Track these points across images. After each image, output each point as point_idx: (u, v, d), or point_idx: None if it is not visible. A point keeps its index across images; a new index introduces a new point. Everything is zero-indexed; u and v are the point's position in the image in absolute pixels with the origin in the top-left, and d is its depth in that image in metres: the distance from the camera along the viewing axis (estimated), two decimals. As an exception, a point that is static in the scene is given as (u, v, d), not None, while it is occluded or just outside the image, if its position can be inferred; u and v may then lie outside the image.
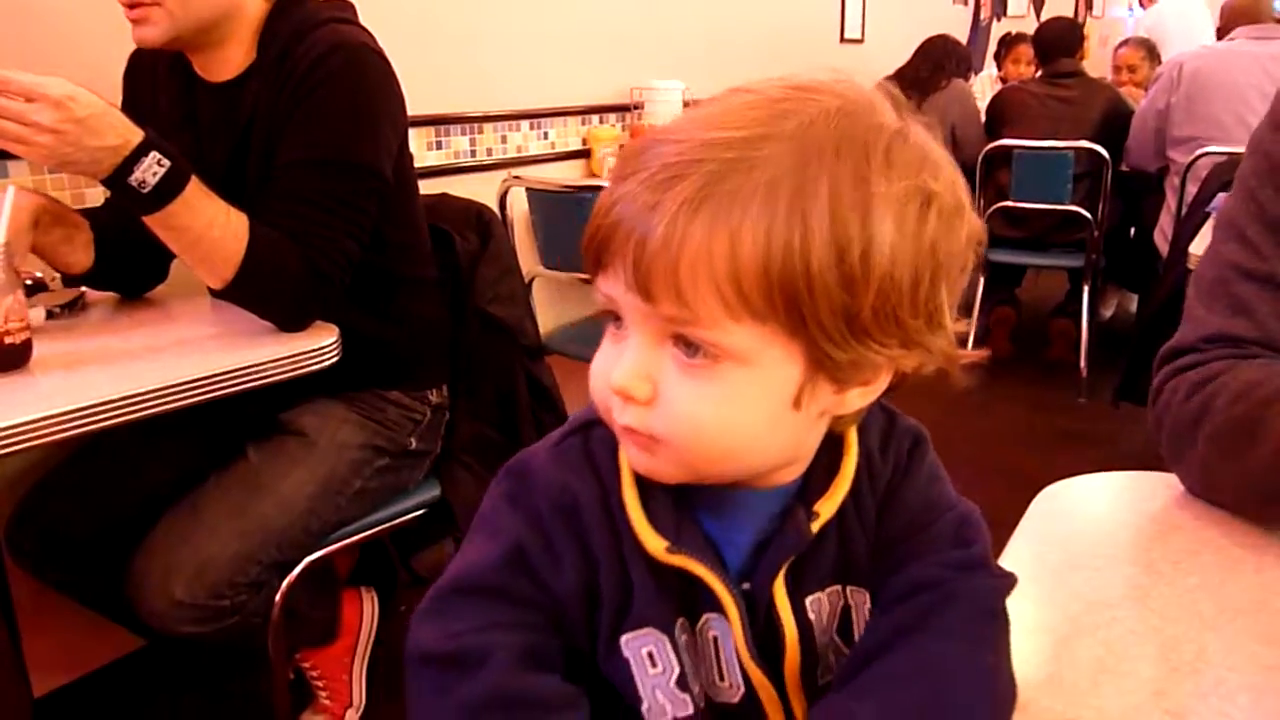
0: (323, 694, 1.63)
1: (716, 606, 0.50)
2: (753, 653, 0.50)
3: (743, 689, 0.51)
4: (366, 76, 1.26)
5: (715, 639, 0.51)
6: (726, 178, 0.41)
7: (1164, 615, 0.58)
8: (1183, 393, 0.69)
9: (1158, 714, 0.49)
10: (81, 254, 1.33)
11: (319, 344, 1.23)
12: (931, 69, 3.65)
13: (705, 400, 0.44)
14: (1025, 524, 0.71)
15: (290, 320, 1.25)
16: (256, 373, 1.16)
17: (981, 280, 3.57)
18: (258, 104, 1.26)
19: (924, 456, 0.54)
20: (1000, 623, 0.49)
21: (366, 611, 1.70)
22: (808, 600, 0.51)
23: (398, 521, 1.49)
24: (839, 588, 0.52)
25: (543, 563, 0.49)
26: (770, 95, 0.46)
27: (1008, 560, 0.65)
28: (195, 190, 1.13)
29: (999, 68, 4.47)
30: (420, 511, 1.53)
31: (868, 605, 0.52)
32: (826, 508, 0.50)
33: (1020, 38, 4.32)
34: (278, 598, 1.34)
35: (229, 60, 1.30)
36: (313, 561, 1.38)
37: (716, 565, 0.49)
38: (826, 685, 0.51)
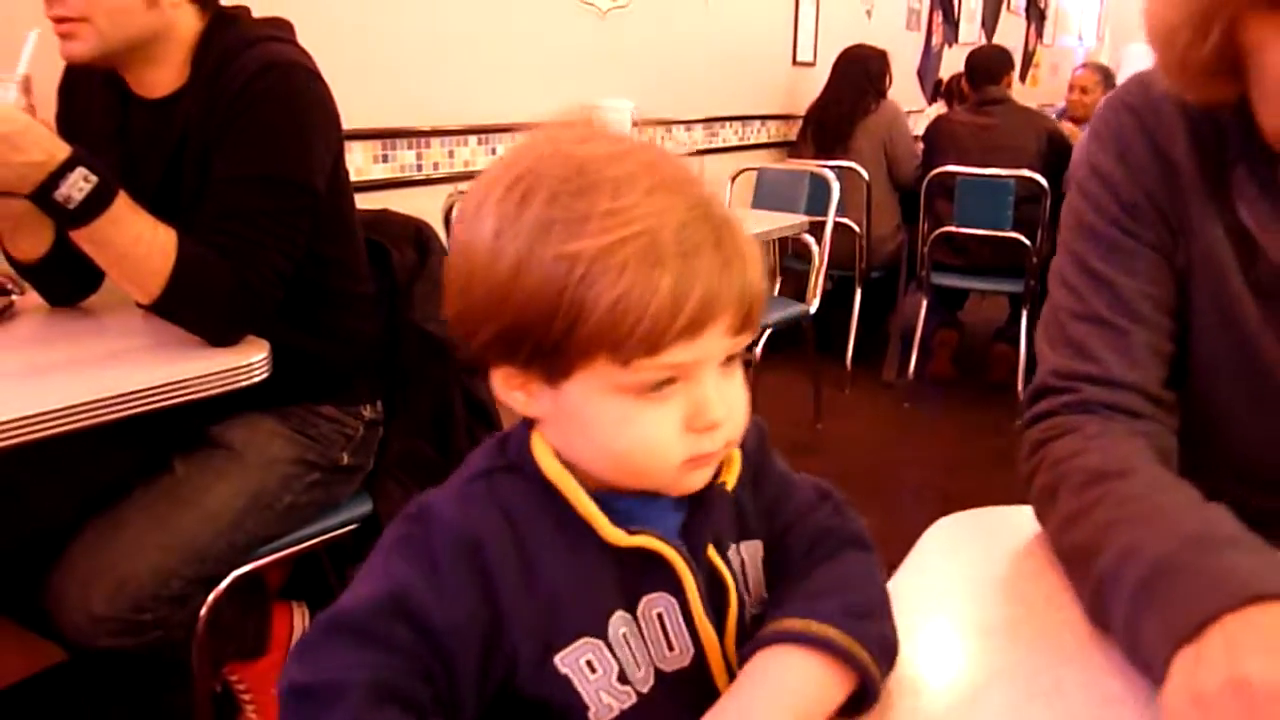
0: (250, 707, 1.62)
1: (661, 584, 0.56)
2: (706, 609, 0.57)
3: (692, 650, 0.57)
4: (299, 94, 1.27)
5: (660, 615, 0.57)
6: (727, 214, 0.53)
7: (1030, 647, 0.62)
8: (1031, 449, 0.75)
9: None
10: (39, 238, 1.32)
11: (249, 360, 1.24)
12: (855, 95, 3.72)
13: (743, 390, 0.55)
14: (914, 554, 0.74)
15: (220, 336, 1.25)
16: (185, 388, 1.16)
17: (924, 304, 3.65)
18: (190, 121, 1.27)
19: (768, 441, 0.66)
20: (871, 548, 0.63)
21: (297, 625, 1.70)
22: (729, 555, 0.60)
23: (327, 537, 1.50)
24: (738, 544, 0.61)
25: (428, 607, 0.51)
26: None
27: (894, 583, 0.69)
28: (122, 206, 1.13)
29: (948, 105, 4.59)
30: (351, 527, 1.53)
31: (760, 554, 0.63)
32: (730, 479, 0.59)
33: (960, 80, 4.45)
34: (202, 611, 1.34)
35: (162, 77, 1.30)
36: (239, 576, 1.38)
37: (672, 539, 0.56)
38: (751, 629, 0.59)
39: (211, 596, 1.35)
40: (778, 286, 3.93)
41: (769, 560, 0.63)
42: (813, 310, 3.07)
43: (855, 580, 0.60)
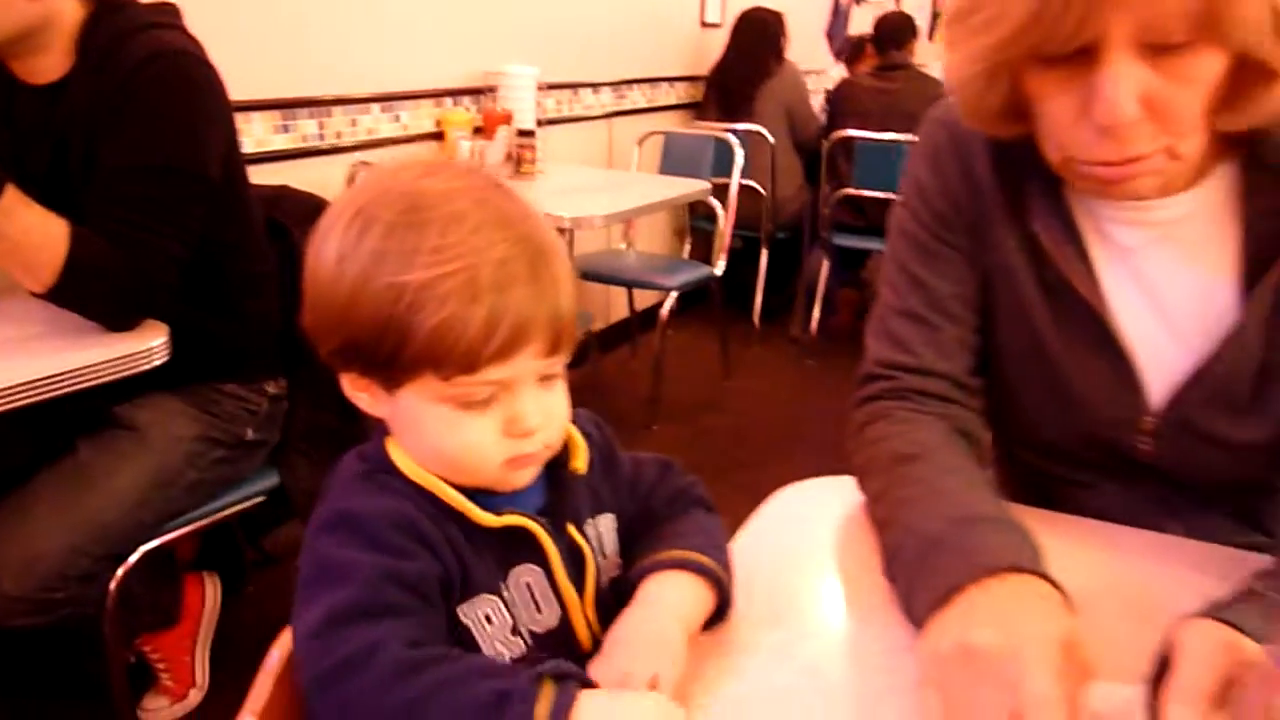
0: (165, 676, 1.68)
1: (528, 557, 0.65)
2: (569, 576, 0.66)
3: (558, 611, 0.66)
4: (187, 82, 1.30)
5: (528, 584, 0.65)
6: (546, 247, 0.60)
7: (837, 604, 0.72)
8: (856, 429, 0.85)
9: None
10: None
11: (147, 344, 1.27)
12: (754, 58, 3.80)
13: (563, 399, 0.64)
14: (755, 519, 0.85)
15: (116, 323, 1.28)
16: (83, 375, 1.19)
17: (825, 263, 3.78)
18: (77, 109, 1.28)
19: (609, 431, 0.75)
20: (711, 507, 0.75)
21: (209, 595, 1.75)
22: (586, 529, 0.69)
23: (234, 510, 1.54)
24: (594, 519, 0.70)
25: (403, 574, 0.58)
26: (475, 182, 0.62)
27: (735, 543, 0.78)
28: (11, 198, 1.15)
29: (848, 69, 4.67)
30: (258, 499, 1.58)
31: (614, 525, 0.72)
32: (580, 464, 0.68)
33: (866, 42, 4.53)
34: (112, 586, 1.38)
35: (47, 64, 1.31)
36: (148, 551, 1.42)
37: (535, 517, 0.65)
38: (604, 595, 0.69)
39: (120, 572, 1.39)
40: (687, 249, 4.03)
41: (628, 527, 0.74)
42: (718, 272, 3.17)
43: (709, 526, 0.73)
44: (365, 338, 0.58)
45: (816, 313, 3.81)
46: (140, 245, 1.26)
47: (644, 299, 3.57)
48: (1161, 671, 0.56)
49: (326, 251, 0.59)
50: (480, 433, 0.60)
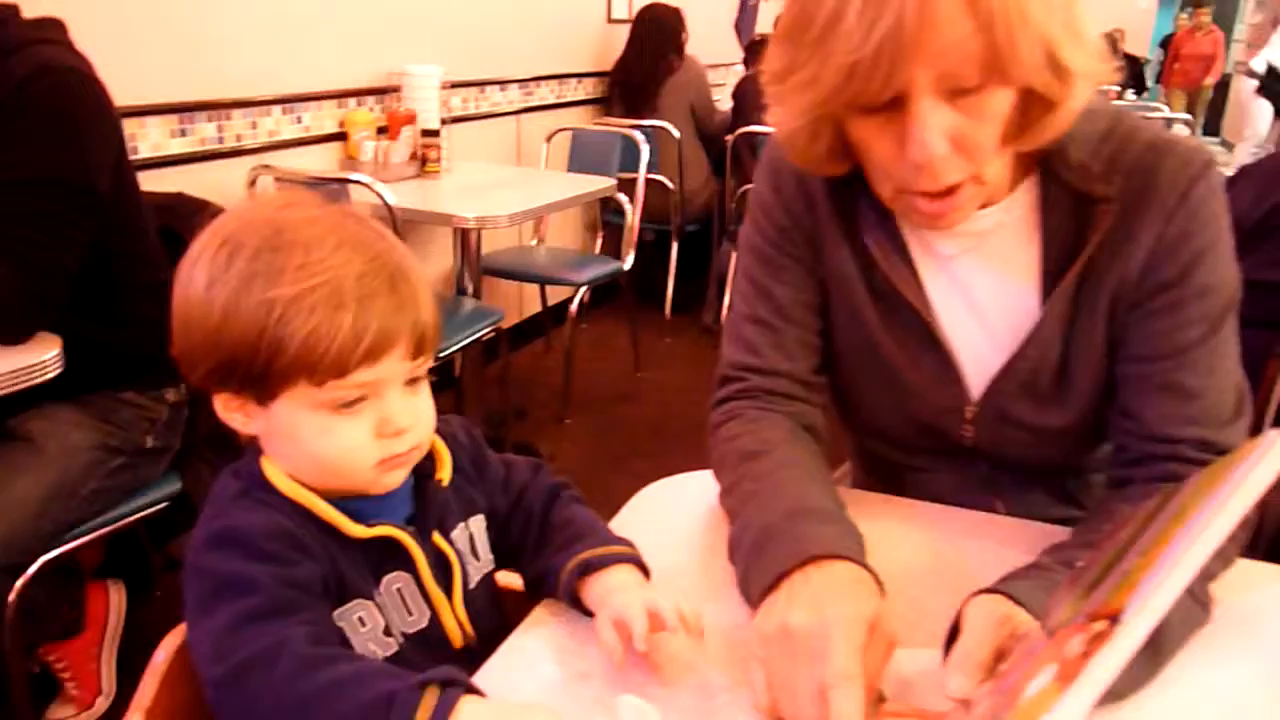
0: (71, 685, 1.68)
1: (397, 564, 0.70)
2: (437, 581, 0.72)
3: (428, 613, 0.72)
4: (72, 98, 1.31)
5: (399, 589, 0.71)
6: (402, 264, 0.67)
7: (689, 588, 0.80)
8: (713, 427, 0.93)
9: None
10: None
11: (41, 357, 1.29)
12: (654, 55, 3.88)
13: (429, 401, 0.70)
14: (624, 511, 0.92)
15: (8, 337, 1.29)
16: (-27, 390, 1.21)
17: (734, 255, 3.87)
18: None
19: (479, 435, 0.82)
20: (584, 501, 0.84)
21: (113, 602, 1.76)
22: (452, 535, 0.75)
23: (136, 518, 1.56)
24: (464, 522, 0.77)
25: (295, 578, 0.63)
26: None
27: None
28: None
29: (747, 68, 4.75)
30: (161, 506, 1.60)
31: (484, 524, 0.79)
32: (444, 476, 0.75)
33: (768, 42, 4.62)
34: (11, 597, 1.39)
35: None
36: (49, 561, 1.43)
37: (403, 527, 0.71)
38: (474, 595, 0.76)
39: (19, 583, 1.40)
40: (599, 243, 4.08)
41: (502, 524, 0.81)
42: (626, 267, 3.24)
43: (598, 520, 0.81)
44: (240, 354, 0.63)
45: (727, 302, 3.91)
46: (30, 259, 1.28)
47: (557, 293, 3.62)
48: (951, 640, 0.64)
49: (196, 280, 0.64)
50: (353, 435, 0.66)
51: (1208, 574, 0.73)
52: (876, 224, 0.87)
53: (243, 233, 0.64)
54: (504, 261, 3.17)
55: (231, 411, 0.68)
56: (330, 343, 0.62)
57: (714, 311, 3.93)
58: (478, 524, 0.79)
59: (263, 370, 0.63)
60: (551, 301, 3.70)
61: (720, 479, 0.89)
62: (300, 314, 0.62)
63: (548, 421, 3.12)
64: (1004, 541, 0.85)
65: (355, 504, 0.69)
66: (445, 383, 2.89)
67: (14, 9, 1.38)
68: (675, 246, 3.98)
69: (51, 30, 1.37)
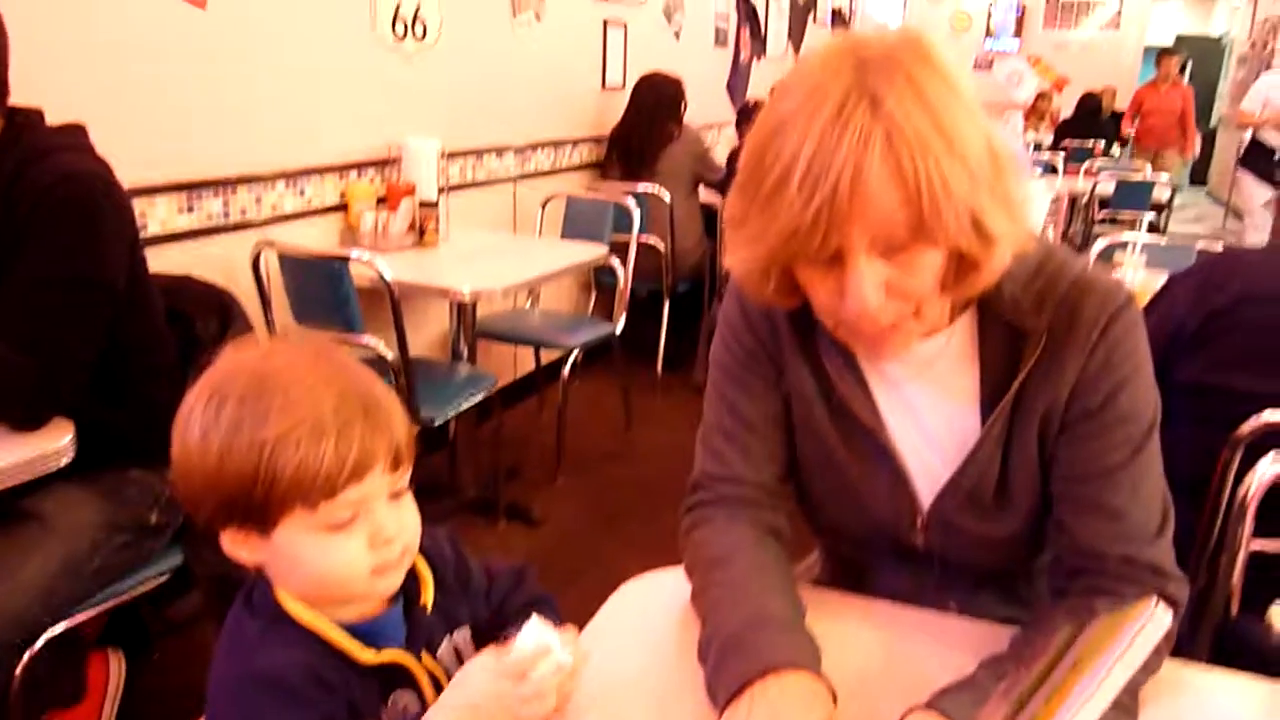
0: (70, 752, 1.73)
1: (402, 684, 0.77)
2: (437, 694, 0.78)
3: None
4: (93, 202, 1.40)
5: (405, 706, 0.78)
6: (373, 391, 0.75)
7: (658, 691, 0.86)
8: (684, 533, 1.00)
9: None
10: None
11: (55, 444, 1.36)
12: (653, 122, 4.00)
13: (414, 510, 0.78)
14: (600, 614, 0.98)
15: (26, 425, 1.37)
16: (-7, 480, 1.28)
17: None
18: None
19: (461, 545, 0.88)
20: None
21: (113, 671, 1.81)
22: (439, 654, 0.83)
23: (139, 591, 1.62)
24: (449, 636, 0.84)
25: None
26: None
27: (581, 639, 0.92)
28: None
29: (740, 134, 4.88)
30: (162, 579, 1.66)
31: (469, 634, 0.85)
32: (427, 600, 0.82)
33: (759, 107, 4.74)
34: (17, 671, 1.45)
35: None
36: (52, 636, 1.49)
37: (407, 652, 0.79)
38: None
39: (26, 656, 1.46)
40: (591, 305, 4.18)
41: (482, 633, 0.87)
42: (618, 330, 3.32)
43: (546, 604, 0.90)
44: (239, 491, 0.71)
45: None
46: (50, 352, 1.36)
47: (551, 353, 3.70)
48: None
49: (191, 431, 0.72)
50: (349, 550, 0.74)
51: (1133, 685, 0.81)
52: (833, 348, 0.95)
53: (227, 384, 0.72)
54: (499, 325, 3.26)
55: (238, 546, 0.75)
56: (318, 468, 0.70)
57: (704, 370, 3.99)
58: (462, 635, 0.86)
59: (261, 503, 0.71)
60: (545, 360, 3.78)
61: (691, 581, 0.96)
62: (288, 448, 0.70)
63: (540, 481, 3.18)
64: (954, 644, 0.92)
65: (360, 628, 0.76)
66: (439, 443, 2.95)
67: (38, 114, 1.47)
68: (667, 306, 4.07)
69: (74, 136, 1.46)
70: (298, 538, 0.73)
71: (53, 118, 1.49)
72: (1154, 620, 0.50)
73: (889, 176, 0.73)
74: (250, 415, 0.70)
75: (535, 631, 0.75)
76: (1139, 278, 2.35)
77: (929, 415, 0.95)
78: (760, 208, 0.78)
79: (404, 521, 0.77)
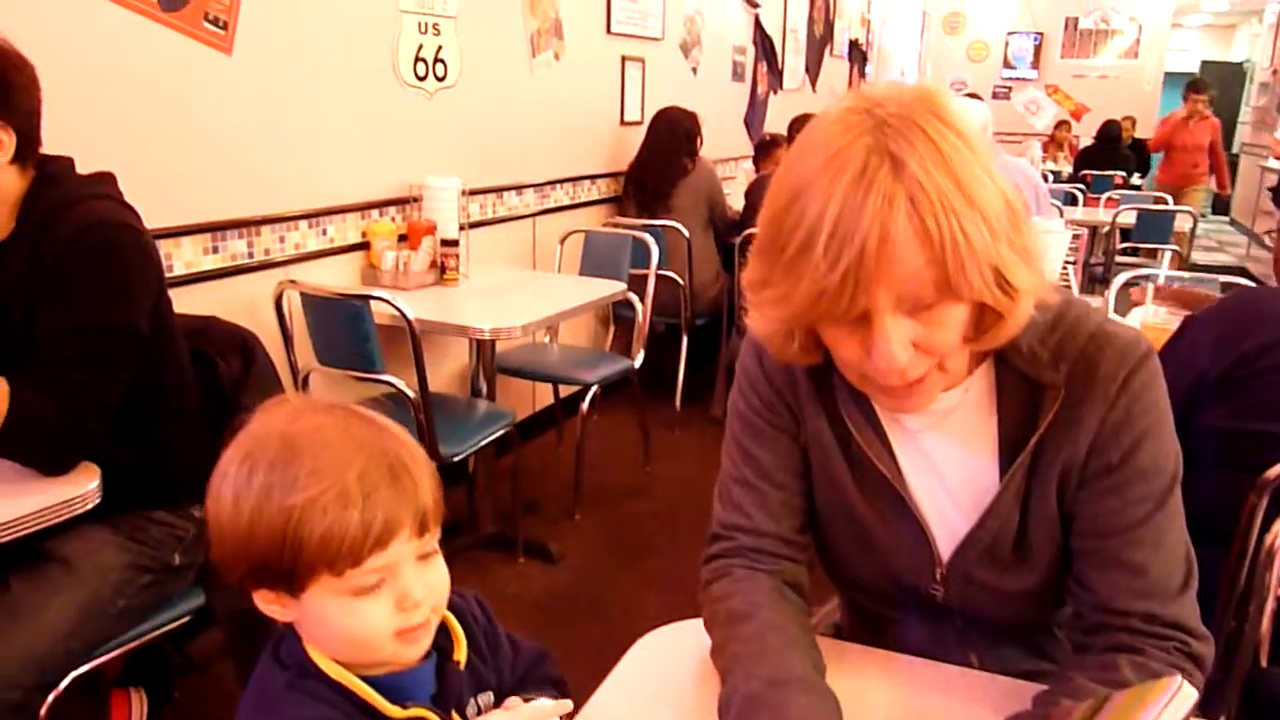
0: (91, 792, 1.74)
1: None
2: None
3: None
4: (120, 250, 1.43)
5: None
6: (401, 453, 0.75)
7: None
8: (704, 586, 1.00)
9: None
10: None
11: (81, 490, 1.38)
12: (669, 157, 4.03)
13: (443, 571, 0.77)
14: (620, 666, 0.98)
15: (53, 470, 1.39)
16: (21, 525, 1.30)
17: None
18: (16, 274, 1.40)
19: (491, 611, 0.88)
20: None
21: (135, 710, 1.82)
22: (467, 712, 0.82)
23: (161, 631, 1.63)
24: (475, 698, 0.84)
25: None
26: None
27: (601, 692, 0.92)
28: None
29: (758, 168, 4.90)
30: (184, 619, 1.67)
31: (492, 699, 0.85)
32: (461, 657, 0.82)
33: (776, 141, 4.77)
34: (42, 712, 1.46)
35: None
36: (76, 676, 1.50)
37: (431, 707, 0.77)
38: None
39: (50, 698, 1.47)
40: (610, 339, 4.19)
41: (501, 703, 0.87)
42: (637, 364, 3.33)
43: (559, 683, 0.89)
44: (269, 556, 0.72)
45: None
46: (77, 398, 1.38)
47: (569, 387, 3.71)
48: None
49: (224, 495, 0.73)
50: (375, 614, 0.74)
51: None
52: (851, 399, 0.95)
53: (259, 449, 0.73)
54: (518, 361, 3.27)
55: (270, 604, 0.76)
56: (343, 538, 0.71)
57: (722, 403, 4.01)
58: (486, 699, 0.86)
59: (289, 568, 0.72)
60: (564, 395, 3.79)
61: (711, 635, 0.96)
62: (314, 516, 0.70)
63: (558, 517, 3.18)
64: (976, 699, 0.92)
65: (388, 682, 0.77)
66: (458, 478, 2.96)
67: (69, 163, 1.51)
68: (685, 340, 4.08)
69: (104, 185, 1.49)
70: (325, 601, 0.73)
71: (82, 161, 1.53)
72: (1179, 697, 0.50)
73: (914, 237, 0.73)
74: (279, 481, 0.71)
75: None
76: (1159, 316, 2.33)
77: (947, 467, 0.95)
78: (784, 271, 0.78)
79: (431, 584, 0.77)
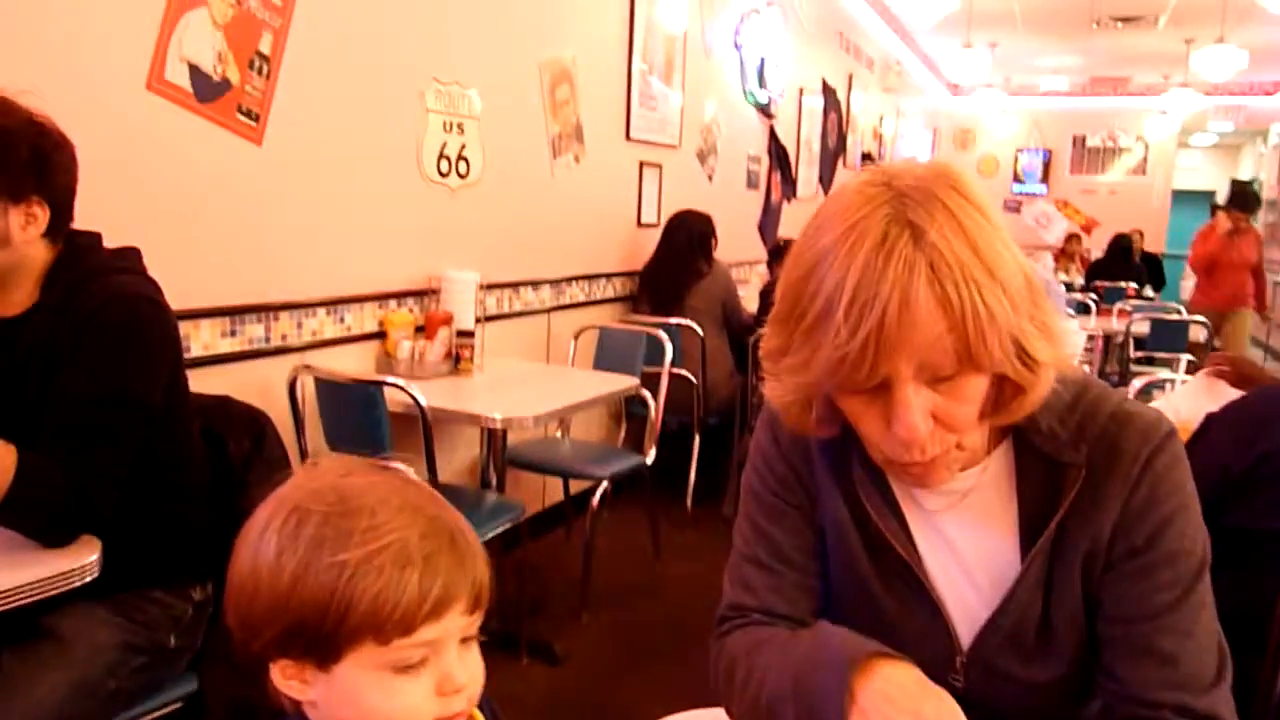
0: None
1: None
2: None
3: None
4: (140, 324, 1.44)
5: None
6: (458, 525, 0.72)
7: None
8: (714, 660, 0.97)
9: None
10: None
11: (81, 562, 1.35)
12: (683, 258, 4.09)
13: (479, 661, 0.73)
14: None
15: (55, 541, 1.36)
16: (17, 595, 1.27)
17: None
18: (37, 341, 1.41)
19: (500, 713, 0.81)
20: None
21: (118, 801, 1.74)
22: None
23: (152, 716, 1.58)
24: None
25: None
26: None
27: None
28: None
29: (771, 273, 4.97)
30: (175, 707, 1.62)
31: None
32: None
33: (790, 246, 4.84)
34: (23, 800, 1.40)
35: (12, 299, 1.44)
36: (62, 762, 1.45)
37: None
38: None
39: (33, 783, 1.41)
40: (622, 435, 4.18)
41: None
42: (649, 461, 3.30)
43: None
44: (309, 617, 0.66)
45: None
46: (85, 468, 1.37)
47: (580, 482, 3.68)
48: None
49: (264, 549, 0.68)
50: (415, 696, 0.68)
51: None
52: (868, 479, 0.94)
53: (309, 501, 0.68)
54: (529, 453, 3.25)
55: (289, 679, 0.70)
56: (399, 600, 0.65)
57: (734, 503, 3.94)
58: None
59: (331, 632, 0.66)
60: (574, 491, 3.75)
61: (731, 689, 0.92)
62: (370, 574, 0.65)
63: (565, 616, 3.10)
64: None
65: None
66: (465, 573, 2.90)
67: (97, 237, 1.54)
68: (698, 439, 4.06)
69: (128, 259, 1.52)
70: (362, 676, 0.67)
71: (109, 239, 1.55)
72: None
73: (935, 305, 0.73)
74: (332, 535, 0.66)
75: None
76: (1182, 406, 2.30)
77: (967, 550, 0.92)
78: (803, 338, 0.78)
79: (472, 671, 0.71)
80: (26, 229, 1.40)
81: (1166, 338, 5.58)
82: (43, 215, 1.41)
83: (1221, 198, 8.03)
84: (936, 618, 0.93)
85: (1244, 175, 13.46)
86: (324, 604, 0.65)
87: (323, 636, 0.66)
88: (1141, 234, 9.02)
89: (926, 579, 0.92)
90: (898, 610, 0.94)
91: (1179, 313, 5.99)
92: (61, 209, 1.44)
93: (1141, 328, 5.63)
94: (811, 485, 0.97)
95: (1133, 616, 0.84)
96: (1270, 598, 1.35)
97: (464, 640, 0.71)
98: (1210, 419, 1.52)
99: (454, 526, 0.71)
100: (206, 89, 2.23)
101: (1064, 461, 0.86)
